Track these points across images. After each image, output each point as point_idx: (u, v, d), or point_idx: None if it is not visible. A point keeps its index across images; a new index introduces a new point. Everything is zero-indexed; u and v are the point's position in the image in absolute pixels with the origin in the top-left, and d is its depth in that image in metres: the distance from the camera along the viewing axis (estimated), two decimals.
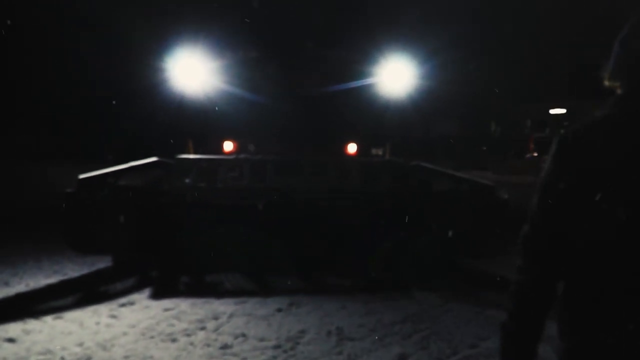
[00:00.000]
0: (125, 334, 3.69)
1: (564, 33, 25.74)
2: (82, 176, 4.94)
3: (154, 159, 5.34)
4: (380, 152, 7.49)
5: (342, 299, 4.55)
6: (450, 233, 5.24)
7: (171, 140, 8.38)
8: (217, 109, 7.18)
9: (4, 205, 8.98)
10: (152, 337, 3.65)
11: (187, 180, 5.60)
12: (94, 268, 5.38)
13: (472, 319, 4.16)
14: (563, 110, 31.54)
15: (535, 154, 28.70)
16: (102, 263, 5.50)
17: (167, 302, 4.36)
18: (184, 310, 4.17)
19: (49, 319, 3.91)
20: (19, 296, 4.46)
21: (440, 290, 4.79)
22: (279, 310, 4.26)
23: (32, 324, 3.80)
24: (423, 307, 4.40)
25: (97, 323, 3.87)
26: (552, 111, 31.84)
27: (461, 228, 5.26)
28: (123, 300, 4.40)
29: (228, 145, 7.12)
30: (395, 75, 7.12)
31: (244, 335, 3.73)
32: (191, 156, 5.50)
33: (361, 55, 7.29)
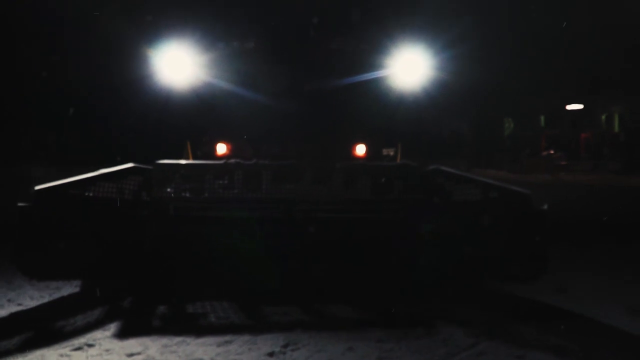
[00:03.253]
0: None
1: (582, 26, 24.81)
2: (38, 187, 4.16)
3: (129, 165, 4.56)
4: (391, 153, 6.68)
5: (349, 336, 3.70)
6: (478, 252, 4.42)
7: (161, 143, 7.65)
8: (208, 107, 6.46)
9: None
10: None
11: (168, 190, 4.83)
12: (57, 296, 4.57)
13: None
14: (580, 106, 30.46)
15: (552, 152, 27.71)
16: (69, 288, 4.71)
17: (133, 343, 3.54)
18: (151, 357, 3.35)
19: None
20: None
21: (469, 324, 3.92)
22: (271, 354, 3.43)
23: None
24: (450, 348, 3.54)
25: None
26: (569, 107, 30.76)
27: (491, 245, 4.43)
28: (81, 340, 3.58)
29: (221, 148, 6.36)
30: (409, 67, 6.38)
31: None
32: (172, 161, 4.70)
33: (371, 45, 6.53)
